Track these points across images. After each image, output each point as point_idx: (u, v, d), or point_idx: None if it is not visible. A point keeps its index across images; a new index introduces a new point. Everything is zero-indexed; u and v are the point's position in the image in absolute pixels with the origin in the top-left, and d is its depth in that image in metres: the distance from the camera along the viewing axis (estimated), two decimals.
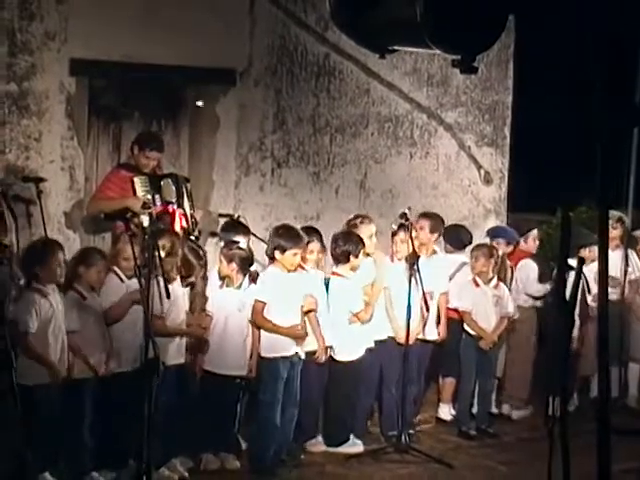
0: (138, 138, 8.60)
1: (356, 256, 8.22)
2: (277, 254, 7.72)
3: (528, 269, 9.44)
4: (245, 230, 8.31)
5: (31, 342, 6.77)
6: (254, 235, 8.45)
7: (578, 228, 8.98)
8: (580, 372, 9.41)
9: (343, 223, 8.67)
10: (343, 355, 8.19)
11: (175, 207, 8.28)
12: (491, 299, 8.95)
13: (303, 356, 7.84)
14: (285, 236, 7.78)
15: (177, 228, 8.12)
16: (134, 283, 7.20)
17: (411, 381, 8.41)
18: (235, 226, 8.41)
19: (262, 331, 7.72)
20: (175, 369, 7.40)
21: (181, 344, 7.50)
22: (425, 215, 8.96)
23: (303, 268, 7.99)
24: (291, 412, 7.76)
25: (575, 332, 9.28)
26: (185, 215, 8.30)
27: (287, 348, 7.72)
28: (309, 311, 7.91)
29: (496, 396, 9.51)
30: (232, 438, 7.81)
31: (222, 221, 8.82)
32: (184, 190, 8.49)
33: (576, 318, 9.26)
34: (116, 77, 8.84)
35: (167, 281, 6.90)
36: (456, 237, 9.24)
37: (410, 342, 8.36)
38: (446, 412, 9.23)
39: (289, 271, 7.78)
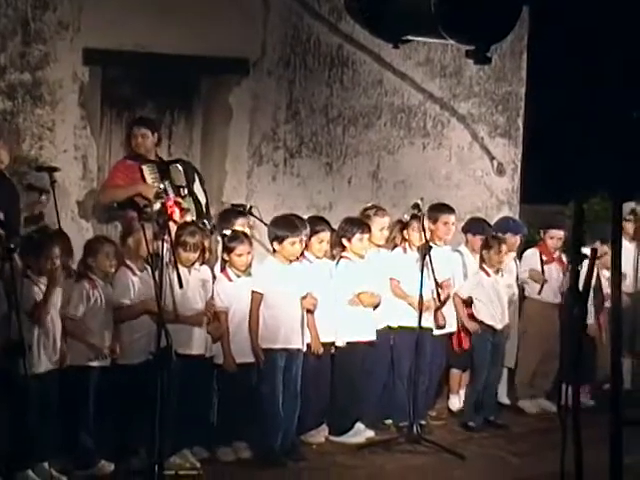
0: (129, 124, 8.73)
1: (349, 240, 8.22)
2: (275, 245, 7.75)
3: (530, 258, 9.47)
4: (242, 214, 8.29)
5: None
6: (263, 223, 8.45)
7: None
8: (598, 362, 9.36)
9: (356, 213, 8.69)
10: (344, 337, 8.19)
11: (172, 196, 8.22)
12: (504, 289, 8.98)
13: (304, 348, 7.85)
14: (282, 225, 7.81)
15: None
16: (146, 275, 7.24)
17: (422, 372, 8.42)
18: (232, 212, 8.38)
19: (260, 322, 7.72)
20: (190, 359, 7.42)
21: (201, 335, 7.51)
22: (450, 208, 8.93)
23: (305, 258, 8.00)
24: (293, 403, 7.78)
25: (591, 320, 9.28)
26: (178, 204, 8.23)
27: (285, 340, 7.72)
28: (308, 310, 7.92)
29: (508, 387, 9.53)
30: (245, 427, 7.82)
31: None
32: (194, 176, 8.53)
33: (590, 307, 9.25)
34: (129, 67, 8.85)
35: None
36: (481, 230, 9.22)
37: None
38: (455, 403, 9.24)
39: (290, 261, 7.79)
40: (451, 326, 8.86)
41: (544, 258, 9.49)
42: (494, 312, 8.92)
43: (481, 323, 8.91)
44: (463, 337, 8.98)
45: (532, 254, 9.56)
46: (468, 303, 8.94)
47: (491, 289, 8.91)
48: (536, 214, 10.52)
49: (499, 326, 8.95)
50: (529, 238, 9.87)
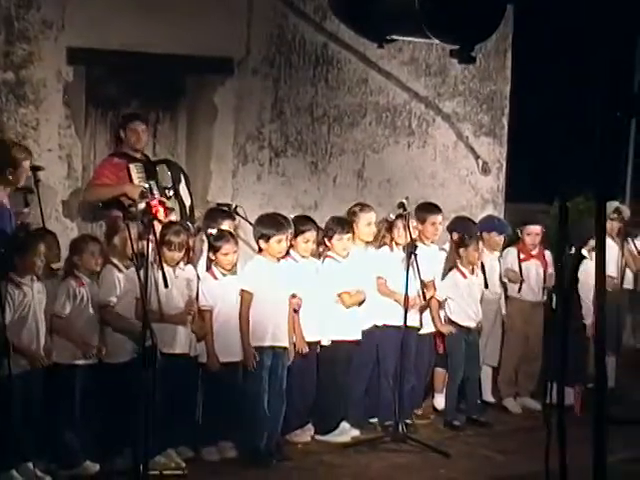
0: (120, 120, 8.66)
1: (330, 239, 8.22)
2: (262, 243, 7.75)
3: (508, 257, 9.47)
4: (229, 215, 8.28)
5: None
6: (249, 222, 8.44)
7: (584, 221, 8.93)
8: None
9: (341, 212, 8.69)
10: (330, 336, 8.20)
11: (157, 196, 8.20)
12: (478, 288, 8.97)
13: (288, 346, 7.85)
14: (267, 224, 7.81)
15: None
16: (131, 273, 7.24)
17: (408, 370, 8.42)
18: (218, 212, 8.37)
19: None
20: (174, 358, 7.40)
21: (185, 334, 7.51)
22: (437, 209, 8.93)
23: (291, 257, 8.00)
24: (279, 403, 7.78)
25: (589, 320, 9.24)
26: (163, 203, 8.21)
27: (273, 338, 7.73)
28: (293, 310, 7.93)
29: (493, 386, 9.55)
30: (230, 426, 7.81)
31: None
32: (181, 177, 8.52)
33: (590, 305, 9.20)
34: (114, 66, 8.83)
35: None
36: (467, 229, 9.20)
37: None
38: (441, 402, 9.24)
39: (278, 259, 7.80)
40: (430, 326, 8.84)
41: (522, 256, 9.46)
42: (468, 311, 8.91)
43: (455, 324, 8.91)
44: (439, 338, 8.99)
45: (509, 253, 9.50)
46: (442, 305, 8.93)
47: (465, 289, 8.89)
48: (520, 213, 10.53)
49: (473, 325, 8.95)
50: (513, 237, 9.89)
